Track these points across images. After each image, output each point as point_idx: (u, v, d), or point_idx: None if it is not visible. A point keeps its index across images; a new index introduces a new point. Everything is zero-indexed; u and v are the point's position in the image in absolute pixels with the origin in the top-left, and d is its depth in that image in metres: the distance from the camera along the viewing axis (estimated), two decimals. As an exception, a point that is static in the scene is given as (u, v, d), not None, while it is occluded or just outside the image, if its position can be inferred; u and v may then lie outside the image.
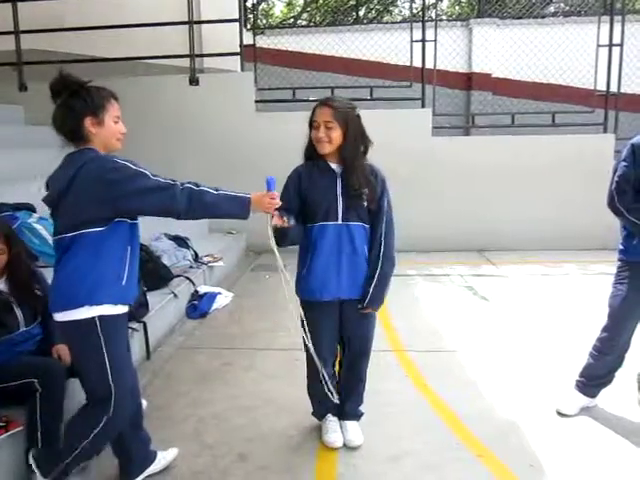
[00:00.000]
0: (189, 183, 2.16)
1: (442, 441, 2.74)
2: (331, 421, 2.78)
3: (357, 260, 2.51)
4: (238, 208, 2.21)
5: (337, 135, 2.40)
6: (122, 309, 2.15)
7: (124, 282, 2.11)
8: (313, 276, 2.54)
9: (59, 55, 6.81)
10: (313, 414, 2.85)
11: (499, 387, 3.29)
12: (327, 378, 2.66)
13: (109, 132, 2.15)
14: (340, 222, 2.46)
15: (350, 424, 2.76)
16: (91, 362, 2.11)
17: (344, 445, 2.69)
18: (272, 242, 2.33)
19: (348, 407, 2.77)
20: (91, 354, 2.09)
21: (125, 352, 2.24)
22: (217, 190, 2.17)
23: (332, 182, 2.47)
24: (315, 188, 2.48)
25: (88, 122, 2.10)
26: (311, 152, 2.52)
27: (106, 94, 2.20)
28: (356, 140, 2.44)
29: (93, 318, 2.04)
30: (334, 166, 2.48)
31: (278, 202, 2.22)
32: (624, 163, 2.70)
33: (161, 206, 2.13)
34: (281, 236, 2.39)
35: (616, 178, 2.72)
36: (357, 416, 2.79)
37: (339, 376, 2.78)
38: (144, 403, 3.03)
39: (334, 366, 2.75)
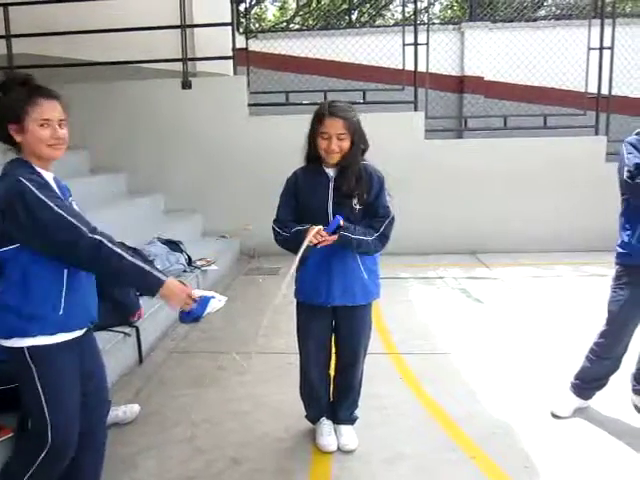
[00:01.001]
0: (102, 235, 1.85)
1: (436, 443, 2.74)
2: (325, 424, 2.77)
3: (347, 265, 2.50)
4: (143, 286, 2.01)
5: (347, 145, 2.42)
6: (64, 337, 1.92)
7: (61, 312, 1.87)
8: (304, 279, 2.55)
9: (51, 59, 6.80)
10: (306, 417, 2.84)
11: (493, 389, 3.29)
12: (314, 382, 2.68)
13: (34, 139, 1.87)
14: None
15: (344, 428, 2.75)
16: (26, 392, 1.93)
17: (338, 449, 2.69)
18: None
19: (341, 412, 2.76)
20: (24, 384, 1.92)
21: (68, 382, 1.96)
22: (133, 256, 1.89)
23: (325, 186, 2.48)
24: (308, 191, 2.51)
25: (12, 129, 1.86)
26: (312, 156, 2.51)
27: (29, 93, 1.89)
28: (358, 146, 2.47)
29: (22, 348, 1.85)
30: (328, 170, 2.49)
31: (191, 302, 2.21)
32: (631, 155, 2.61)
33: (58, 248, 1.81)
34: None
35: (629, 168, 2.59)
36: (351, 421, 2.78)
37: (333, 381, 2.77)
38: (137, 408, 3.03)
39: (328, 369, 2.74)
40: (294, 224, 2.48)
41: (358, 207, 2.46)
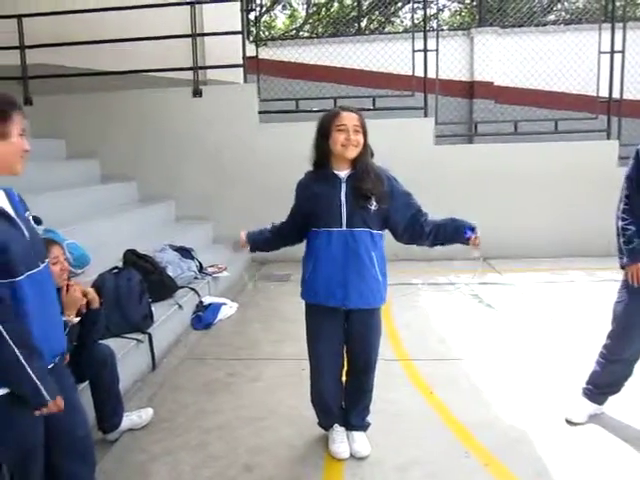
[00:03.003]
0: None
1: (449, 450, 2.72)
2: (338, 431, 2.76)
3: (363, 267, 2.47)
4: (28, 394, 1.69)
5: (362, 140, 2.43)
6: None
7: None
8: (318, 281, 2.52)
9: (64, 69, 6.88)
10: (319, 424, 2.83)
11: (506, 395, 3.27)
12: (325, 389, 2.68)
13: (14, 148, 1.72)
14: (344, 228, 2.44)
15: (357, 434, 2.74)
16: None
17: (351, 455, 2.68)
18: None
19: (353, 418, 2.75)
20: None
21: (24, 441, 1.79)
22: (31, 354, 1.66)
23: (336, 188, 2.46)
24: (319, 194, 2.49)
25: None
26: (322, 159, 2.51)
27: (10, 99, 1.73)
28: (369, 147, 2.50)
29: None
30: (338, 172, 2.48)
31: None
32: (629, 169, 2.73)
33: None
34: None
35: (624, 187, 2.74)
36: (364, 427, 2.77)
37: (345, 387, 2.75)
38: (151, 411, 3.04)
39: (340, 376, 2.72)
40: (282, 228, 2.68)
41: (374, 208, 2.44)
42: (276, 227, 2.75)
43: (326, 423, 2.80)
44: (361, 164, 2.45)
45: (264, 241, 2.78)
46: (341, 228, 2.44)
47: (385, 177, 2.50)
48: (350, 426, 2.76)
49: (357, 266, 2.46)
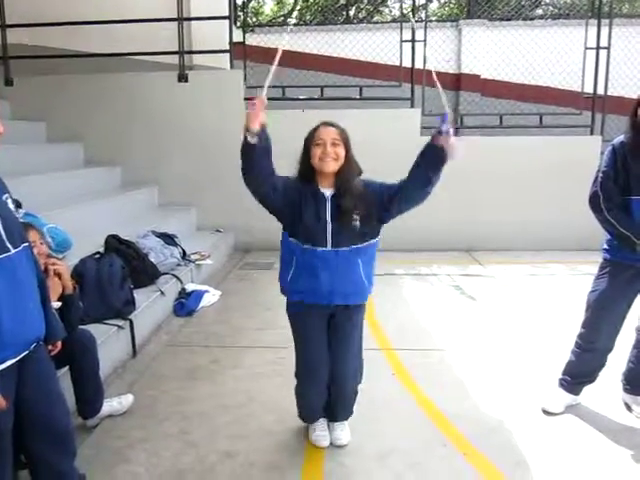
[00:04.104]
0: None
1: (429, 439, 2.75)
2: (319, 422, 2.77)
3: (347, 276, 2.43)
4: None
5: (342, 153, 2.38)
6: None
7: None
8: (301, 275, 2.46)
9: (46, 50, 6.76)
10: (300, 417, 2.81)
11: (486, 386, 3.31)
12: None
13: None
14: (329, 248, 2.39)
15: (338, 423, 2.75)
16: None
17: (331, 443, 2.69)
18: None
19: (337, 411, 2.73)
20: None
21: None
22: None
23: (322, 207, 2.40)
24: (305, 209, 2.40)
25: None
26: (306, 172, 2.44)
27: None
28: (353, 163, 2.44)
29: None
30: (324, 190, 2.42)
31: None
32: (605, 164, 2.80)
33: None
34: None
35: (600, 178, 2.80)
36: (345, 417, 2.77)
37: (329, 387, 2.66)
38: (130, 398, 3.03)
39: (325, 384, 2.62)
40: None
41: (358, 224, 2.39)
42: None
43: (308, 421, 2.80)
44: (344, 182, 2.39)
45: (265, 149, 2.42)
46: (326, 248, 2.39)
47: (370, 188, 2.43)
48: (332, 417, 2.76)
49: (342, 275, 2.42)
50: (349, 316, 2.55)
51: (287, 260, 2.51)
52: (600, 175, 2.80)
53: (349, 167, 2.42)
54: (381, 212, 2.43)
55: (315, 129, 2.42)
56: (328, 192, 2.42)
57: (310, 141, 2.41)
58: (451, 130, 2.30)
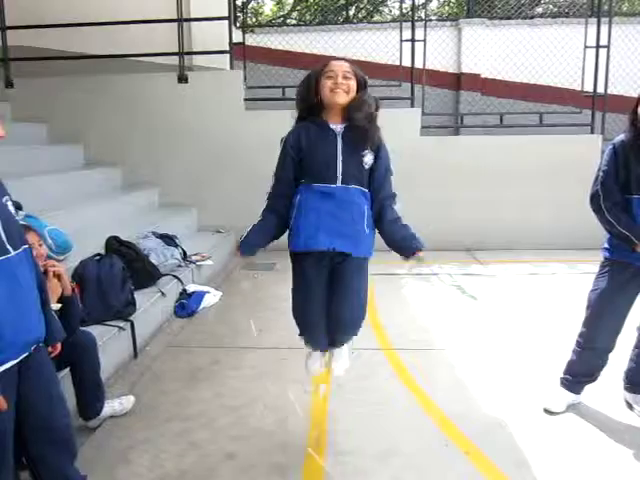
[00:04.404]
0: None
1: (430, 439, 2.75)
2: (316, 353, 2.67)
3: (353, 222, 2.39)
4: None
5: (354, 87, 2.35)
6: None
7: None
8: (306, 227, 2.39)
9: (46, 52, 6.76)
10: (300, 335, 2.66)
11: (487, 385, 3.31)
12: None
13: None
14: (339, 184, 2.36)
15: (335, 350, 2.64)
16: None
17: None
18: None
19: (337, 339, 2.62)
20: None
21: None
22: None
23: (332, 142, 2.36)
24: (314, 148, 2.37)
25: None
26: (309, 108, 2.41)
27: None
28: (366, 98, 2.38)
29: None
30: (334, 126, 2.39)
31: None
32: (605, 162, 2.79)
33: None
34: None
35: (600, 177, 2.80)
36: (343, 342, 2.64)
37: (328, 317, 2.55)
38: (132, 399, 3.03)
39: (325, 332, 2.56)
40: (279, 208, 2.43)
41: (367, 165, 2.37)
42: (271, 210, 2.51)
43: (310, 345, 2.66)
44: (353, 114, 2.33)
45: (266, 236, 2.53)
46: (336, 184, 2.35)
47: (384, 145, 2.44)
48: (331, 344, 2.64)
49: (348, 221, 2.38)
50: (354, 265, 2.46)
51: (296, 210, 2.44)
52: (600, 174, 2.80)
53: (362, 101, 2.37)
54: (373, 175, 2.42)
55: (324, 64, 2.38)
56: (338, 127, 2.39)
57: (319, 74, 2.37)
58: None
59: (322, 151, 2.37)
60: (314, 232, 2.38)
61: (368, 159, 2.38)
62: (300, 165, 2.41)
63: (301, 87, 2.44)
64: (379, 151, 2.44)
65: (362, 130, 2.35)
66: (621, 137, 2.77)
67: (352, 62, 2.41)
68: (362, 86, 2.41)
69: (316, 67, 2.42)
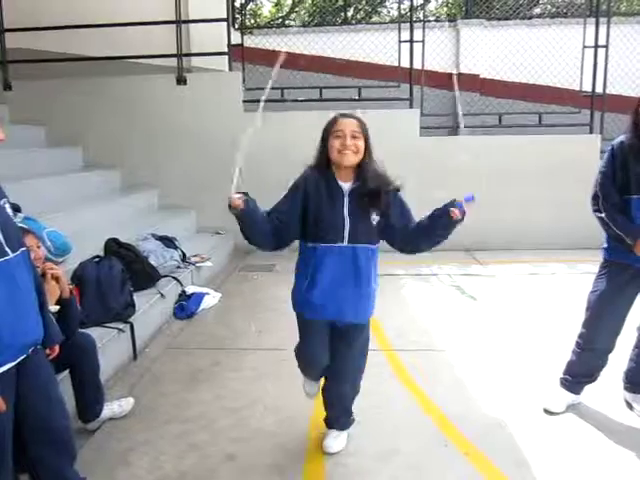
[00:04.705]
0: None
1: (430, 439, 2.75)
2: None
3: (361, 283, 2.39)
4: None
5: (362, 146, 2.32)
6: None
7: None
8: (315, 294, 2.38)
9: (45, 54, 6.77)
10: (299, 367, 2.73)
11: (487, 386, 3.31)
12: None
13: None
14: (346, 244, 2.33)
15: (333, 431, 2.70)
16: None
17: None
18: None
19: (332, 418, 2.70)
20: None
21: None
22: None
23: (340, 201, 2.33)
24: (323, 205, 2.34)
25: None
26: (322, 163, 2.38)
27: None
28: (372, 153, 2.38)
29: None
30: (342, 184, 2.36)
31: None
32: (604, 164, 2.79)
33: None
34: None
35: (599, 179, 2.80)
36: (342, 428, 2.71)
37: (323, 389, 2.68)
38: (131, 401, 3.03)
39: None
40: (275, 221, 2.38)
41: (376, 221, 2.36)
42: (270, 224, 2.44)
43: (307, 374, 2.72)
44: (363, 174, 2.32)
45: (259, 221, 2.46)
46: (342, 244, 2.33)
47: (391, 187, 2.40)
48: (328, 424, 2.72)
49: (355, 282, 2.37)
50: (356, 333, 2.52)
51: (302, 271, 2.44)
52: (599, 176, 2.80)
53: (369, 160, 2.36)
54: (390, 223, 2.39)
55: (334, 120, 2.35)
56: (346, 186, 2.36)
57: (328, 132, 2.34)
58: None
59: (330, 209, 2.33)
60: (318, 301, 2.38)
61: (374, 218, 2.36)
62: (305, 217, 2.37)
63: (320, 140, 2.40)
64: (393, 207, 2.40)
65: (371, 193, 2.32)
66: (621, 138, 2.77)
67: (359, 120, 2.36)
68: (369, 139, 2.37)
69: (328, 121, 2.38)
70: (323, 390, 2.69)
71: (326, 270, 2.35)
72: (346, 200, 2.34)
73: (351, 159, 2.30)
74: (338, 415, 2.69)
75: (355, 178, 2.36)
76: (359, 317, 2.47)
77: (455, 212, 2.31)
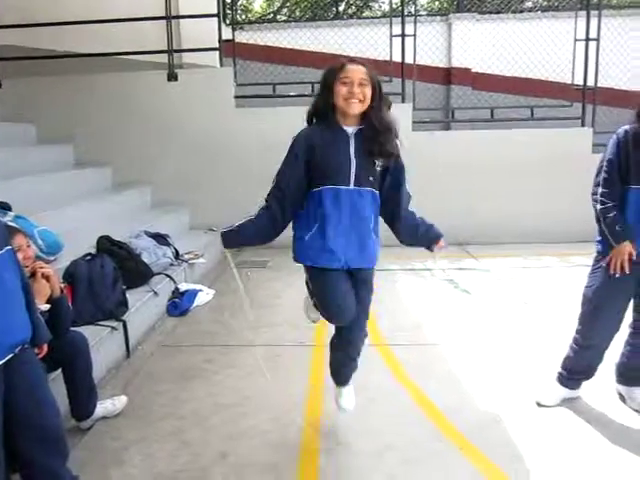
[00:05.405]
0: None
1: (424, 434, 2.75)
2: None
3: (366, 230, 2.38)
4: None
5: (369, 94, 2.27)
6: None
7: None
8: (320, 242, 2.35)
9: (34, 51, 6.71)
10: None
11: (480, 380, 3.31)
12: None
13: None
14: (352, 187, 2.31)
15: (345, 389, 2.75)
16: None
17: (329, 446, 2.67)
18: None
19: (347, 369, 2.73)
20: None
21: None
22: None
23: (345, 144, 2.31)
24: (327, 148, 2.30)
25: None
26: (321, 113, 2.35)
27: None
28: (381, 100, 2.33)
29: None
30: (346, 127, 2.32)
31: None
32: (611, 152, 2.72)
33: None
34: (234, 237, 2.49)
35: (605, 167, 2.74)
36: (348, 380, 2.74)
37: (334, 344, 2.68)
38: (124, 399, 3.01)
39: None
40: (274, 212, 2.34)
41: (380, 168, 2.34)
42: (266, 210, 2.40)
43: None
44: (370, 121, 2.28)
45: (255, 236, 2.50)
46: (349, 187, 2.30)
47: (398, 139, 2.39)
48: (339, 381, 2.74)
49: (361, 229, 2.36)
50: (364, 278, 2.50)
51: (306, 217, 2.40)
52: (605, 163, 2.74)
53: (378, 106, 2.32)
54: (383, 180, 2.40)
55: (341, 66, 2.28)
56: (351, 129, 2.33)
57: (334, 77, 2.28)
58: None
59: (335, 151, 2.30)
60: (325, 248, 2.35)
61: (378, 164, 2.35)
62: (309, 167, 2.33)
63: (320, 87, 2.36)
64: (396, 166, 2.42)
65: (376, 137, 2.30)
66: (624, 127, 2.73)
67: (369, 63, 2.32)
68: (377, 91, 2.32)
69: (332, 67, 2.32)
70: (334, 345, 2.67)
71: (332, 214, 2.31)
72: (352, 142, 2.32)
73: (357, 107, 2.27)
74: (353, 365, 2.69)
75: (360, 122, 2.34)
76: (364, 262, 2.44)
77: (440, 244, 2.61)
